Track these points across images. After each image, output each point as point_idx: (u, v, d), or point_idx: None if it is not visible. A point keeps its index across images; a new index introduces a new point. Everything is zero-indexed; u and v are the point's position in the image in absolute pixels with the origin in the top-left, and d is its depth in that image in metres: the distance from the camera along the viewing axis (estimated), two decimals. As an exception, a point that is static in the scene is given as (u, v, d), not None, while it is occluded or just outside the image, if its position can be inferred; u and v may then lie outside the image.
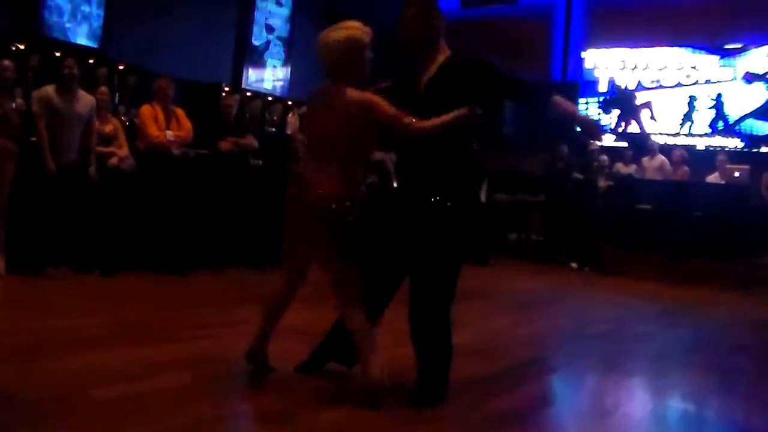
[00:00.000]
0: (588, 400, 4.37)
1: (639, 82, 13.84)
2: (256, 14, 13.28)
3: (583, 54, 14.43)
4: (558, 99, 3.77)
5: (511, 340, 5.68)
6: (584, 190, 11.58)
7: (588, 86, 14.34)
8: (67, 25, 10.42)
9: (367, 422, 3.38)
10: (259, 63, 13.43)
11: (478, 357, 4.85)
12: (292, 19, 13.91)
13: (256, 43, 13.33)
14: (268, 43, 13.57)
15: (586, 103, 14.34)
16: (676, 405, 4.39)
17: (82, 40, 10.57)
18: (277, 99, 13.16)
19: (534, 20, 15.03)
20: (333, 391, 3.79)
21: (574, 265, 11.43)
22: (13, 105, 6.52)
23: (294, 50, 13.87)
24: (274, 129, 11.86)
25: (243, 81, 12.98)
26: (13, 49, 9.02)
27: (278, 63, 13.75)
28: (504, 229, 12.88)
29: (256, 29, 13.30)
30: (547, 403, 4.27)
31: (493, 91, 3.84)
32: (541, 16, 15.07)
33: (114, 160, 7.18)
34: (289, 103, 13.23)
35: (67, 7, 10.37)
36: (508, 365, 4.77)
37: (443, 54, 3.94)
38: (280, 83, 13.73)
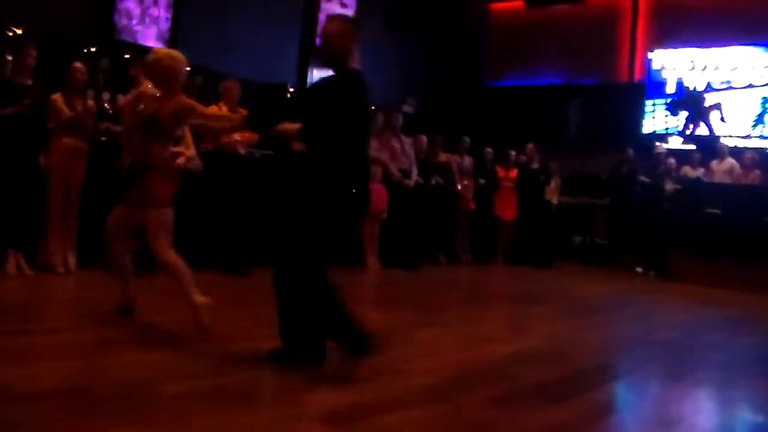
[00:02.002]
0: (652, 409, 4.28)
1: (708, 83, 13.51)
2: (321, 15, 13.36)
3: (650, 54, 14.15)
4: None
5: (575, 345, 5.61)
6: (651, 194, 11.38)
7: (655, 87, 14.06)
8: (137, 27, 10.64)
9: (432, 423, 3.37)
10: (324, 64, 13.50)
11: (541, 362, 4.81)
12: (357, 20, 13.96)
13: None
14: (332, 43, 13.64)
15: (653, 104, 14.07)
16: (745, 417, 4.27)
17: (150, 42, 10.78)
18: (341, 100, 13.21)
19: (600, 20, 14.81)
20: (398, 391, 3.79)
21: (639, 269, 11.27)
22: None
23: (358, 51, 13.92)
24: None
25: (308, 81, 13.07)
26: (85, 51, 9.23)
27: (342, 64, 13.80)
28: (568, 232, 12.74)
29: (320, 30, 13.38)
30: (610, 411, 4.20)
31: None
32: (607, 15, 14.84)
33: (181, 160, 7.28)
34: (353, 103, 13.27)
35: (136, 11, 10.59)
36: (571, 371, 4.70)
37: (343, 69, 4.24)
38: (344, 84, 13.79)
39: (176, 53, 5.00)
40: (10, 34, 8.71)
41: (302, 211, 4.05)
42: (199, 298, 4.43)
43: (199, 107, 5.06)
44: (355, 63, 4.30)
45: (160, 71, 4.88)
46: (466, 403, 3.68)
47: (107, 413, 3.09)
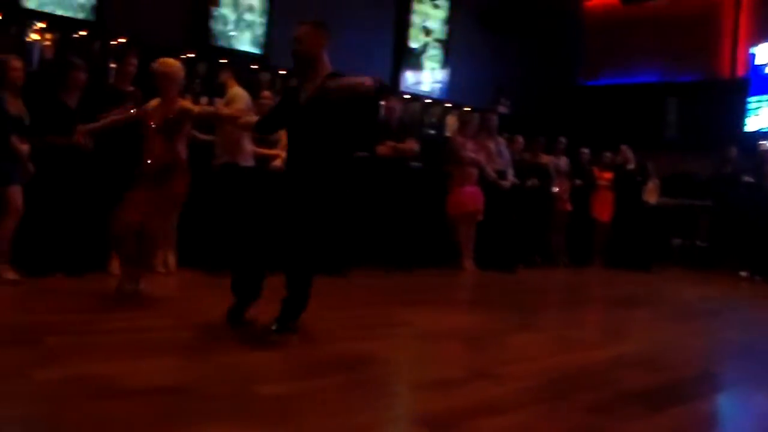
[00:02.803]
0: (759, 424, 4.08)
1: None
2: (413, 17, 13.38)
3: (753, 49, 13.63)
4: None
5: (677, 351, 5.43)
6: (756, 195, 10.97)
7: (760, 83, 13.51)
8: (232, 33, 10.88)
9: (528, 429, 3.33)
10: (417, 65, 13.54)
11: (640, 368, 4.67)
12: (450, 21, 13.93)
13: (413, 45, 13.44)
14: (425, 45, 13.65)
15: (758, 101, 13.55)
16: None
17: (245, 47, 11.01)
18: (436, 101, 13.24)
19: (699, 14, 14.34)
20: (494, 395, 3.76)
21: (744, 274, 10.86)
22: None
23: (452, 52, 13.89)
24: (433, 131, 11.92)
25: (401, 84, 13.11)
26: (183, 57, 9.51)
27: (436, 65, 13.80)
28: (667, 235, 12.40)
29: (413, 32, 13.41)
30: (713, 423, 4.05)
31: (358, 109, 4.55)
32: (706, 9, 14.36)
33: (277, 162, 7.42)
34: (448, 105, 13.27)
35: (232, 17, 10.83)
36: (672, 379, 4.56)
37: (325, 70, 4.60)
38: (439, 85, 13.78)
39: (171, 61, 5.66)
40: (114, 43, 9.05)
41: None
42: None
43: (194, 107, 5.80)
44: (326, 67, 4.65)
45: (157, 78, 5.53)
46: (563, 409, 3.61)
47: (207, 412, 3.14)
